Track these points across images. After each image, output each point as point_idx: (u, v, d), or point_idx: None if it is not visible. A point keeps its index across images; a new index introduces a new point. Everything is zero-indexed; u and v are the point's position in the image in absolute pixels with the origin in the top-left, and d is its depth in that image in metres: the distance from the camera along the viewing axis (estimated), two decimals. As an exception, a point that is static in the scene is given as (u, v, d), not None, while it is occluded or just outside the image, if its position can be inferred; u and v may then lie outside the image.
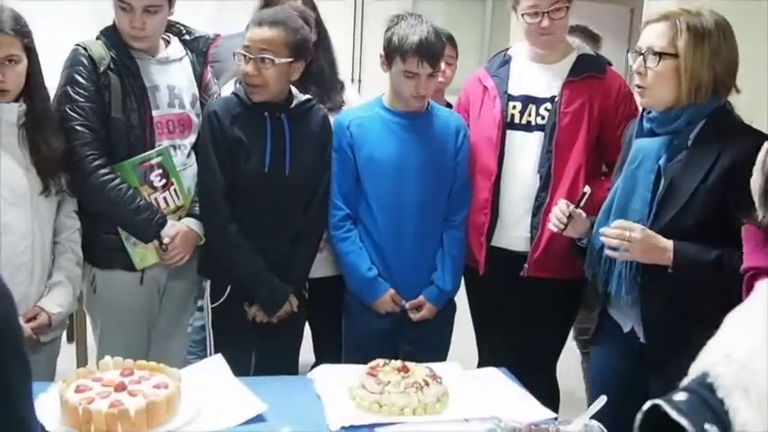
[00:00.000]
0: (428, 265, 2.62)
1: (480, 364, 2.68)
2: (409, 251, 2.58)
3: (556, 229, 2.26)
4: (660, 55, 2.01)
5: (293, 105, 2.45)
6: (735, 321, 0.71)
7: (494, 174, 2.59)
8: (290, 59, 2.35)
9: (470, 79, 2.77)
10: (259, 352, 2.58)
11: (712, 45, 2.00)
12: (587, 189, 2.27)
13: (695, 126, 2.04)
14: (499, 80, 2.62)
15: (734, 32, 2.04)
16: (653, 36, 2.04)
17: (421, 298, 2.61)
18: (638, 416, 0.70)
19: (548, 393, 2.48)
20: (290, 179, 2.43)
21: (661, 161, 2.05)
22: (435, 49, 2.46)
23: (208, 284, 2.54)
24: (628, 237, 1.99)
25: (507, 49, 2.75)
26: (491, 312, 2.75)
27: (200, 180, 2.48)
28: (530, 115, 2.58)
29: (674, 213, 2.01)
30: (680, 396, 0.67)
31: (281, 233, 2.48)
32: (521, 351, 2.59)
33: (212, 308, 2.52)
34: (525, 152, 2.58)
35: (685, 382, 0.69)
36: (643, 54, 2.04)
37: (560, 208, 2.25)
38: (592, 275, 2.24)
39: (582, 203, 2.24)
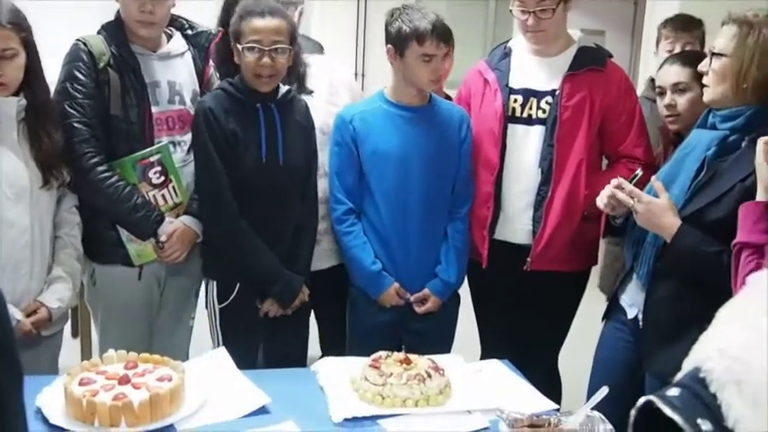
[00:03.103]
0: (433, 257, 2.63)
1: (483, 356, 2.68)
2: (414, 244, 2.59)
3: (602, 207, 2.20)
4: (719, 55, 2.05)
5: (279, 96, 2.45)
6: (727, 316, 0.71)
7: (496, 167, 2.59)
8: (291, 46, 2.37)
9: (471, 72, 2.77)
10: (267, 348, 2.58)
11: (760, 44, 2.00)
12: (639, 171, 2.25)
13: (753, 131, 2.03)
14: (500, 73, 2.62)
15: None
16: (721, 37, 2.08)
17: (425, 291, 2.61)
18: (632, 412, 0.70)
19: (550, 385, 2.49)
20: (286, 168, 2.44)
21: (709, 152, 2.07)
22: (448, 30, 2.50)
23: (214, 285, 2.51)
24: (633, 204, 2.04)
25: (508, 41, 2.74)
26: (494, 304, 2.76)
27: (203, 178, 2.45)
28: (531, 108, 2.58)
29: (706, 203, 2.02)
30: (673, 391, 0.67)
31: (284, 224, 2.48)
32: (523, 343, 2.60)
33: (220, 308, 2.50)
34: (527, 146, 2.58)
35: (678, 376, 0.70)
36: (711, 54, 2.09)
37: (617, 186, 2.16)
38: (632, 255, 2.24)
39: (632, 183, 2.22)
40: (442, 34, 2.45)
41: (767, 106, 2.02)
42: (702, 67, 2.11)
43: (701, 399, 0.65)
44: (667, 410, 0.65)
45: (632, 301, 2.24)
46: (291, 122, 2.47)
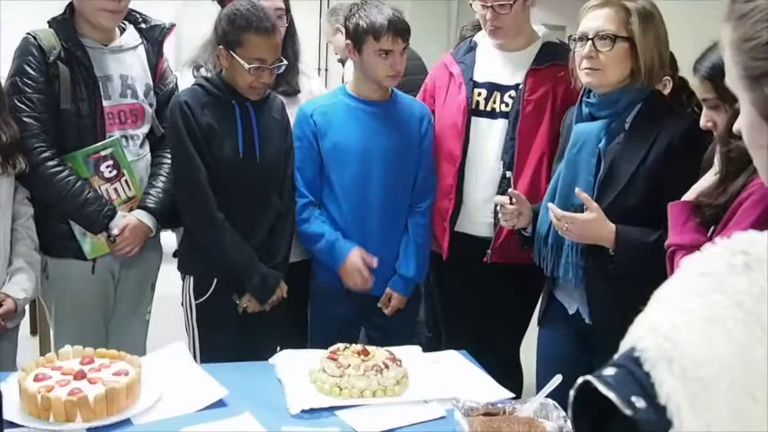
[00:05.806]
0: (393, 251, 2.64)
1: (447, 347, 2.70)
2: (374, 238, 2.59)
3: (508, 225, 2.32)
4: (614, 38, 2.06)
5: None
6: (660, 297, 0.73)
7: (458, 160, 2.61)
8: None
9: (437, 65, 2.78)
10: (244, 342, 2.54)
11: (656, 29, 2.07)
12: (508, 173, 2.36)
13: (632, 109, 2.10)
14: (465, 67, 2.63)
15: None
16: (601, 21, 2.09)
17: (388, 290, 2.63)
18: (572, 392, 0.72)
19: (511, 375, 2.51)
20: (262, 164, 2.44)
21: (601, 144, 2.10)
22: (405, 25, 2.51)
23: (190, 281, 2.49)
24: (566, 227, 2.07)
25: (473, 35, 2.76)
26: (455, 296, 2.77)
27: (180, 171, 2.44)
28: (494, 102, 2.59)
29: (615, 194, 2.06)
30: (609, 371, 0.69)
31: (261, 219, 2.47)
32: (484, 334, 2.62)
33: (197, 304, 2.48)
34: (490, 139, 2.60)
35: (615, 357, 0.72)
36: (592, 39, 2.08)
37: (501, 202, 2.30)
38: (539, 261, 2.29)
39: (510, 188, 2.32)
40: (399, 29, 2.46)
41: (649, 88, 2.09)
42: (589, 52, 2.09)
43: (635, 377, 0.67)
44: (603, 388, 0.67)
45: (569, 297, 2.26)
46: (267, 119, 2.47)
